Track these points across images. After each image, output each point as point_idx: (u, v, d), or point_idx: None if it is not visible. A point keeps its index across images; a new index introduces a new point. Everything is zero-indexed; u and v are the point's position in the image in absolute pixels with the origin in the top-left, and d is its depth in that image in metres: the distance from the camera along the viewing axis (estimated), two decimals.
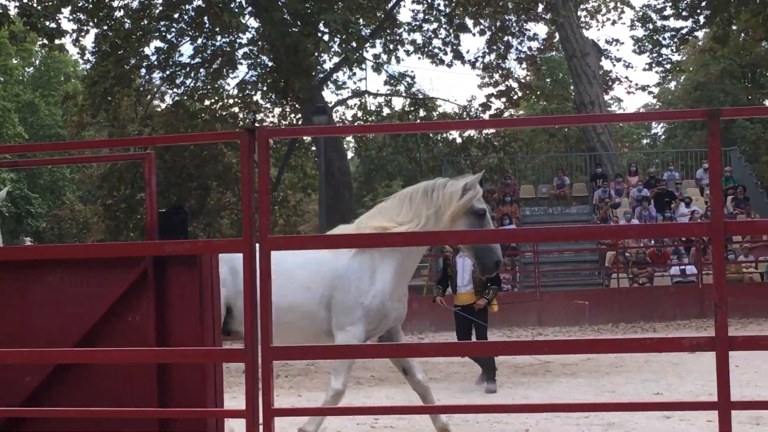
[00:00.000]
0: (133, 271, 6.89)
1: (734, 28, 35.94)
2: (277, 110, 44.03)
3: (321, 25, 35.28)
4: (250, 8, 37.31)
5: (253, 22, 38.46)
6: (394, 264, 9.90)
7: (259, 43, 39.89)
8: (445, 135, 45.19)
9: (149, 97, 42.89)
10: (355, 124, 45.12)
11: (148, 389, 6.86)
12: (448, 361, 18.59)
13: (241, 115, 42.20)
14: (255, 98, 42.74)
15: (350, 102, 47.76)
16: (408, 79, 45.61)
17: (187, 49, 54.60)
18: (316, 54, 36.04)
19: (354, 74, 45.99)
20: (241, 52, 39.90)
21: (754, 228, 6.82)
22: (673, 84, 64.76)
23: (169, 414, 6.71)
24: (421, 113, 45.65)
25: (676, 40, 45.55)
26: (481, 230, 8.83)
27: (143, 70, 40.36)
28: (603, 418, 11.50)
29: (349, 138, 51.68)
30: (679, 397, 13.07)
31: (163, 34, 38.53)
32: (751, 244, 29.13)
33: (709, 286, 27.22)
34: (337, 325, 9.77)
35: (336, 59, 41.45)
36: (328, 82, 44.61)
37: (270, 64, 39.68)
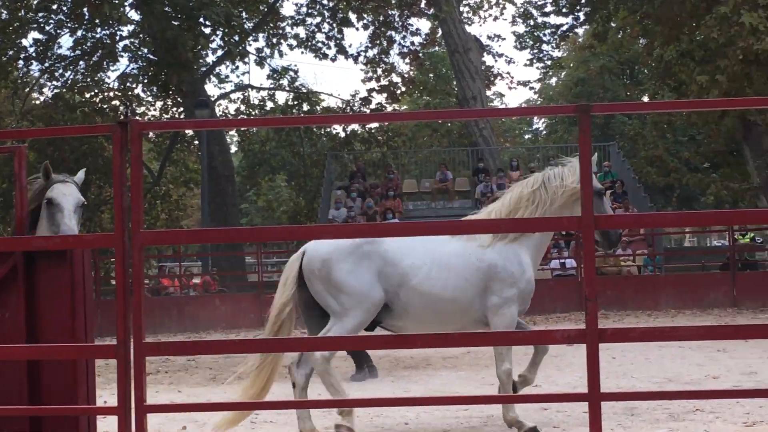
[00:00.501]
0: (2, 267, 6.74)
1: (613, 25, 36.46)
2: (159, 104, 43.58)
3: (202, 18, 34.93)
4: (131, 0, 36.84)
5: (134, 15, 37.97)
6: (531, 250, 10.47)
7: (141, 35, 39.40)
8: (328, 129, 45.20)
9: (27, 89, 42.12)
10: (239, 117, 44.79)
11: (19, 386, 6.71)
12: (338, 354, 18.54)
13: (122, 108, 41.65)
14: (136, 91, 42.26)
15: (233, 96, 47.50)
16: (291, 73, 45.52)
17: (66, 41, 53.77)
18: (197, 48, 35.68)
19: (237, 68, 45.80)
20: (121, 44, 39.38)
21: (624, 222, 6.92)
22: (554, 80, 65.60)
23: (38, 411, 6.57)
24: (305, 107, 45.58)
25: (556, 36, 46.12)
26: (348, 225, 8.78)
27: (21, 62, 39.60)
28: (483, 411, 11.58)
29: (233, 132, 51.39)
30: (557, 389, 13.22)
31: (42, 25, 37.82)
32: (628, 238, 29.64)
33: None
34: (494, 311, 10.15)
35: (219, 52, 41.16)
36: (211, 76, 44.27)
37: (151, 57, 39.22)
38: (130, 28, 38.97)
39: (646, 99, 46.97)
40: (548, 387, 13.62)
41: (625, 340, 5.65)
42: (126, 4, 36.72)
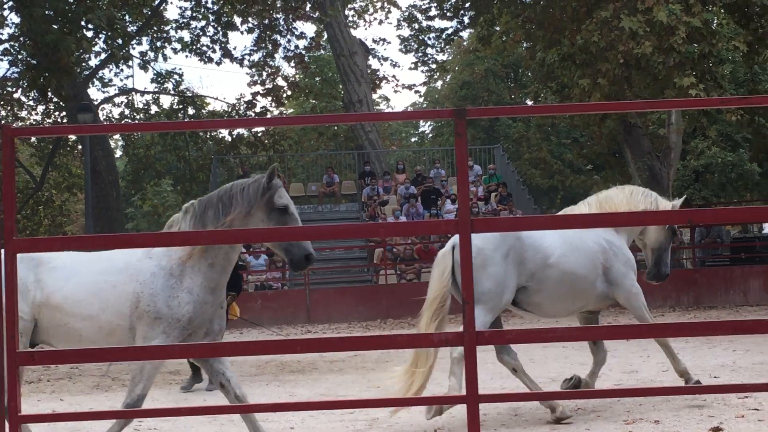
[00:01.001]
0: None
1: (497, 29, 36.82)
2: (41, 108, 42.85)
3: (84, 21, 34.40)
4: (10, 2, 36.12)
5: (14, 17, 37.26)
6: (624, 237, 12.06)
7: (21, 39, 38.68)
8: (214, 133, 44.89)
9: None
10: (123, 122, 44.25)
11: None
12: None
13: (3, 113, 40.86)
14: (16, 96, 41.48)
15: (117, 100, 46.85)
16: (176, 76, 45.14)
17: None
18: (80, 52, 35.13)
19: (121, 71, 45.18)
20: (1, 48, 38.59)
21: (502, 225, 7.00)
22: (439, 83, 66.00)
23: None
24: (190, 111, 45.23)
25: (441, 40, 46.40)
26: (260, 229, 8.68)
27: None
28: (368, 414, 11.62)
29: (117, 136, 50.75)
30: (443, 391, 13.30)
31: None
32: None
33: None
34: (617, 286, 11.60)
35: (102, 56, 40.62)
36: (94, 80, 43.64)
37: (31, 61, 38.54)
38: (10, 31, 38.23)
39: (529, 102, 47.54)
40: (433, 389, 13.70)
41: (502, 342, 5.72)
42: (5, 6, 36.04)
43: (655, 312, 24.06)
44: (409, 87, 58.45)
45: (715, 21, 33.08)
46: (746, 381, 12.30)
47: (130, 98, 46.01)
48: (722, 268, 28.58)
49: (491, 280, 10.70)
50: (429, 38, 46.74)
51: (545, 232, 11.02)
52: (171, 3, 65.28)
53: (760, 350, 16.38)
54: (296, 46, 43.37)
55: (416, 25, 46.62)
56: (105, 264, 9.18)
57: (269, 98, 44.17)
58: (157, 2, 40.89)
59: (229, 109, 44.82)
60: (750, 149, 43.64)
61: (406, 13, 48.44)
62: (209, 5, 41.13)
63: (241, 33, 41.63)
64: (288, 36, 42.41)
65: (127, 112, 45.51)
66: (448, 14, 40.73)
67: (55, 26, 33.27)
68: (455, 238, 10.54)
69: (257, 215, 9.00)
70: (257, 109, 43.66)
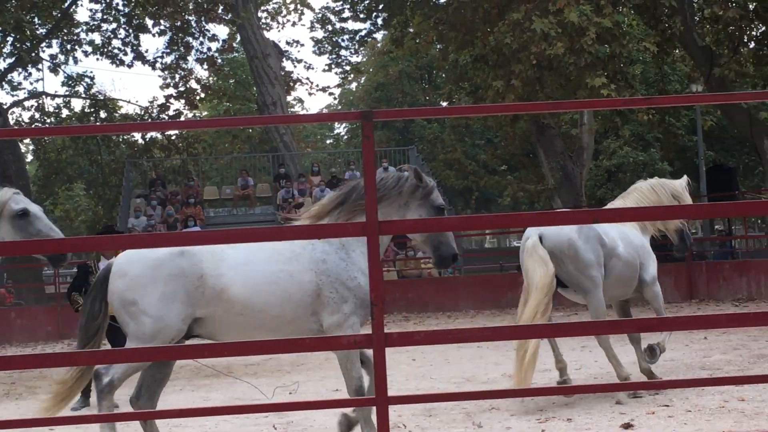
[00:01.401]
0: None
1: (410, 30, 36.90)
2: None
3: None
4: None
5: None
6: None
7: None
8: (127, 137, 44.44)
9: None
10: (33, 126, 43.60)
11: None
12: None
13: None
14: None
15: (27, 103, 46.17)
16: (87, 79, 44.60)
17: None
18: None
19: (30, 75, 44.50)
20: None
21: (408, 226, 7.02)
22: (354, 85, 66.03)
23: None
24: (102, 115, 44.73)
25: (355, 42, 46.48)
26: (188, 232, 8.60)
27: None
28: (282, 417, 11.56)
29: (28, 140, 50.04)
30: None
31: None
32: None
33: (389, 283, 28.05)
34: (647, 279, 12.83)
35: (10, 59, 40.00)
36: (3, 83, 42.97)
37: None
38: None
39: (444, 103, 47.72)
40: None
41: (411, 344, 5.70)
42: None
43: (569, 311, 24.25)
44: (324, 89, 58.39)
45: (626, 22, 33.51)
46: (659, 377, 12.47)
47: (41, 102, 45.39)
48: None
49: (593, 261, 11.89)
50: (342, 40, 46.85)
51: (606, 225, 12.09)
52: (81, 5, 64.27)
53: (670, 347, 16.57)
54: (209, 49, 43.16)
55: (330, 27, 46.66)
56: (274, 254, 9.32)
57: (182, 101, 43.87)
58: (67, 4, 40.39)
59: (142, 113, 44.41)
60: (660, 149, 44.22)
61: (320, 15, 48.51)
62: (120, 7, 40.77)
63: (153, 35, 41.24)
64: (200, 38, 42.18)
65: (37, 115, 44.88)
66: (361, 16, 40.79)
67: None
68: (530, 230, 11.89)
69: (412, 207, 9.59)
70: (170, 112, 43.32)
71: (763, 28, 31.15)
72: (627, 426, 10.02)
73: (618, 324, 8.84)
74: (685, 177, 13.80)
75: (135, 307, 9.00)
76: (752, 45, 31.86)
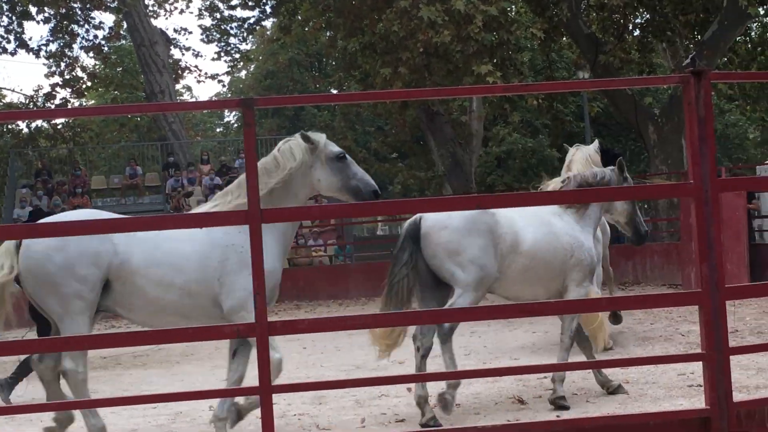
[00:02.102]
0: None
1: (299, 18, 36.75)
2: None
3: None
4: None
5: None
6: None
7: None
8: (11, 126, 43.61)
9: None
10: None
11: None
12: (17, 358, 17.89)
13: None
14: None
15: None
16: None
17: None
18: None
19: None
20: None
21: (290, 214, 6.95)
22: (243, 73, 65.61)
23: None
24: None
25: (243, 29, 46.11)
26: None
27: None
28: (171, 408, 11.47)
29: None
30: (245, 383, 13.21)
31: None
32: (319, 229, 30.01)
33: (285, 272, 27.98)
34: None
35: None
36: None
37: None
38: None
39: (334, 91, 47.70)
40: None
41: (295, 332, 5.68)
42: None
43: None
44: (213, 77, 58.02)
45: (513, 9, 33.83)
46: (545, 362, 12.59)
47: None
48: None
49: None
50: (231, 28, 46.39)
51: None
52: None
53: (559, 331, 16.79)
54: (95, 36, 42.52)
55: (218, 15, 46.17)
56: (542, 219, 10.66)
57: (68, 90, 43.19)
58: None
59: (27, 101, 43.61)
60: (549, 135, 44.76)
61: (207, 2, 47.95)
62: None
63: (37, 23, 40.57)
64: (86, 26, 41.53)
65: None
66: (250, 3, 40.55)
67: None
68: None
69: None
70: (57, 101, 42.61)
71: (648, 16, 31.66)
72: (520, 401, 10.16)
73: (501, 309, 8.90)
74: (596, 141, 13.96)
75: (461, 257, 9.97)
76: (637, 32, 32.37)
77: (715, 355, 5.84)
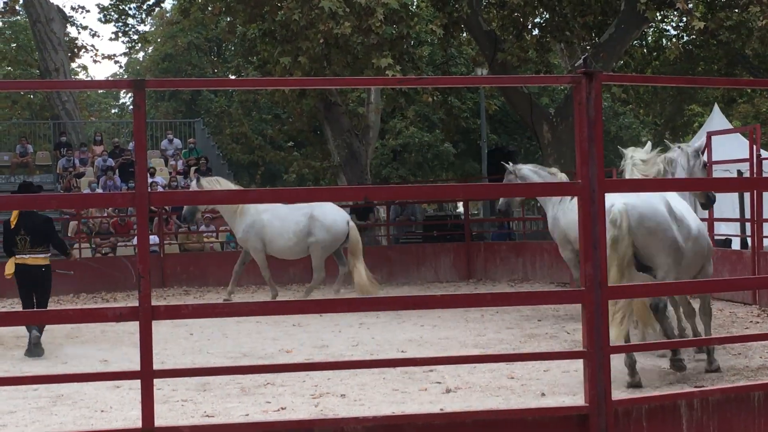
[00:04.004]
0: None
1: (199, 1, 36.39)
2: None
3: None
4: None
5: None
6: None
7: None
8: None
9: None
10: None
11: None
12: None
13: None
14: None
15: None
16: None
17: None
18: None
19: None
20: None
21: (178, 198, 6.89)
22: (141, 54, 64.88)
23: None
24: None
25: (142, 10, 45.53)
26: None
27: None
28: (53, 390, 11.31)
29: None
30: (132, 366, 13.08)
31: None
32: (212, 215, 29.74)
33: (170, 256, 27.74)
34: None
35: None
36: None
37: None
38: None
39: (232, 77, 47.35)
40: (122, 365, 13.49)
41: (178, 317, 5.65)
42: None
43: (349, 288, 24.43)
44: (110, 57, 57.26)
45: (414, 3, 33.92)
46: (432, 355, 12.65)
47: None
48: (415, 246, 29.27)
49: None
50: (130, 8, 45.76)
51: None
52: None
53: (447, 325, 16.94)
54: None
55: None
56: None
57: None
58: None
59: None
60: (442, 130, 45.09)
61: None
62: None
63: None
64: None
65: None
66: None
67: None
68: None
69: None
70: None
71: (547, 16, 31.97)
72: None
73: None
74: (648, 142, 13.80)
75: (666, 242, 10.94)
76: (536, 32, 32.67)
77: (596, 352, 5.93)
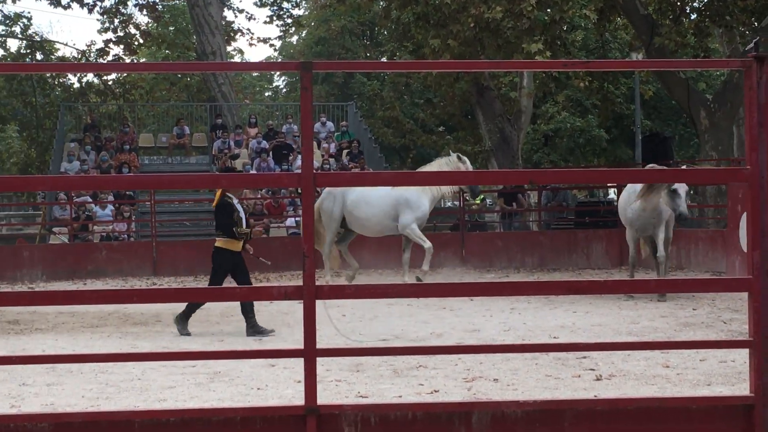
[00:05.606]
0: None
1: None
2: None
3: None
4: None
5: None
6: None
7: None
8: (62, 80, 43.91)
9: None
10: None
11: None
12: (57, 310, 18.10)
13: None
14: None
15: None
16: (24, 20, 43.96)
17: None
18: None
19: None
20: None
21: (344, 179, 6.98)
22: (295, 38, 65.64)
23: None
24: (39, 56, 44.15)
25: None
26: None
27: None
28: (210, 367, 11.52)
29: None
30: (285, 346, 13.27)
31: None
32: None
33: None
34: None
35: None
36: None
37: None
38: None
39: (383, 59, 47.63)
40: (275, 344, 13.69)
41: (342, 297, 5.71)
42: None
43: (500, 273, 24.36)
44: (264, 41, 58.10)
45: None
46: (584, 341, 12.55)
47: None
48: (566, 232, 29.05)
49: None
50: None
51: None
52: None
53: (599, 312, 16.77)
54: None
55: None
56: None
57: (121, 46, 43.37)
58: None
59: (80, 56, 43.87)
60: (598, 115, 44.59)
61: None
62: None
63: None
64: None
65: None
66: None
67: None
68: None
69: None
70: (109, 57, 42.85)
71: (705, 0, 31.36)
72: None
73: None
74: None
75: None
76: (694, 16, 32.05)
77: (762, 342, 5.80)
